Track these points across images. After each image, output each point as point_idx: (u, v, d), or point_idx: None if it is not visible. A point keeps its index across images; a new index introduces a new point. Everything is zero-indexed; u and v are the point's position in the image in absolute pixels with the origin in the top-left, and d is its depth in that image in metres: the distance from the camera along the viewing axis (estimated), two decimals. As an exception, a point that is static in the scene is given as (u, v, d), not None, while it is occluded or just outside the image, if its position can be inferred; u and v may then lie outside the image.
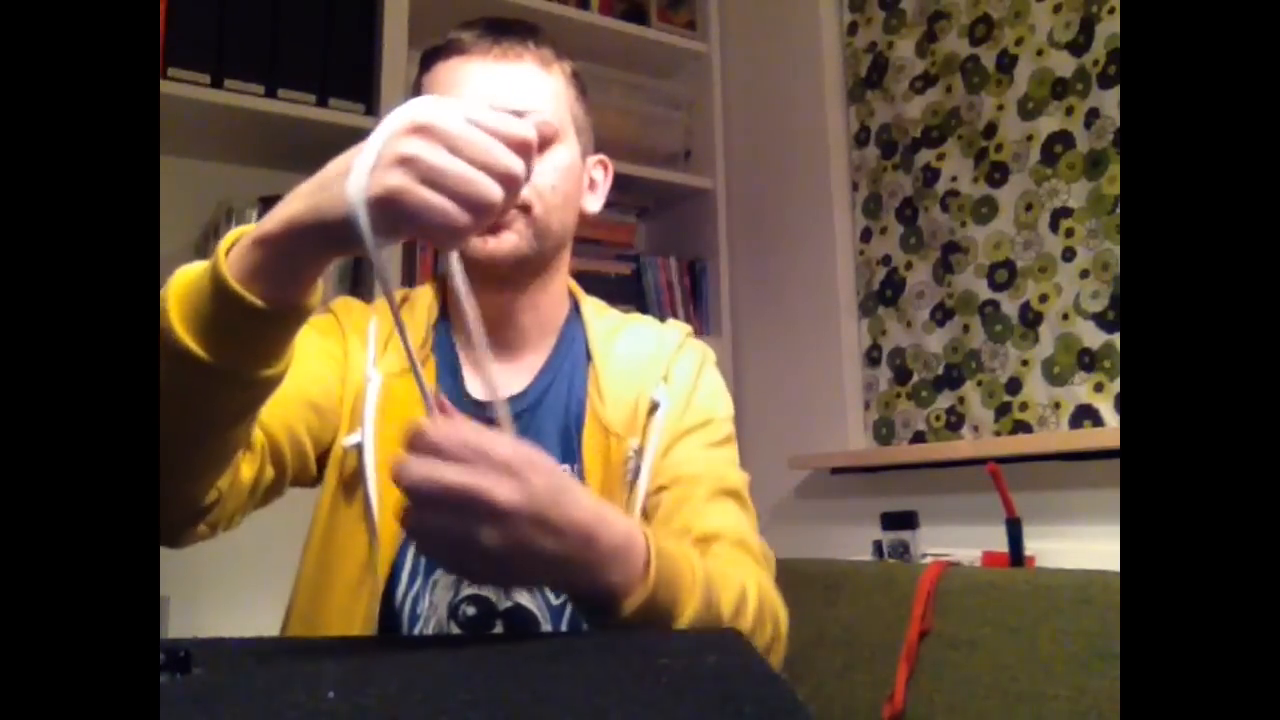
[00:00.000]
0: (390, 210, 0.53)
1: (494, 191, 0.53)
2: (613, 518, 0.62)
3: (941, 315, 1.76)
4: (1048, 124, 1.59)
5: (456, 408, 0.84)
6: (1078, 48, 1.55)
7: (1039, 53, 1.61)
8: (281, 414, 0.76)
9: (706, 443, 0.86)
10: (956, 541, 1.50)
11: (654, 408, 0.85)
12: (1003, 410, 1.63)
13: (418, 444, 0.54)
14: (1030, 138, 1.61)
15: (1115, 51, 1.49)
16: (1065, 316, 1.54)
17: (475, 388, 0.87)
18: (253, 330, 0.58)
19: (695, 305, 2.20)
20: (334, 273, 1.72)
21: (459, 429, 0.55)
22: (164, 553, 0.64)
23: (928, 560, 1.41)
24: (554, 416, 0.86)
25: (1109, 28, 1.51)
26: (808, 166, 2.03)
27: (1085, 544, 1.41)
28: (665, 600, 0.63)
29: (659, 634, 0.66)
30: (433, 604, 0.80)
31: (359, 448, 0.80)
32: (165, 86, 1.60)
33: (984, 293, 1.67)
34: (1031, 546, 1.35)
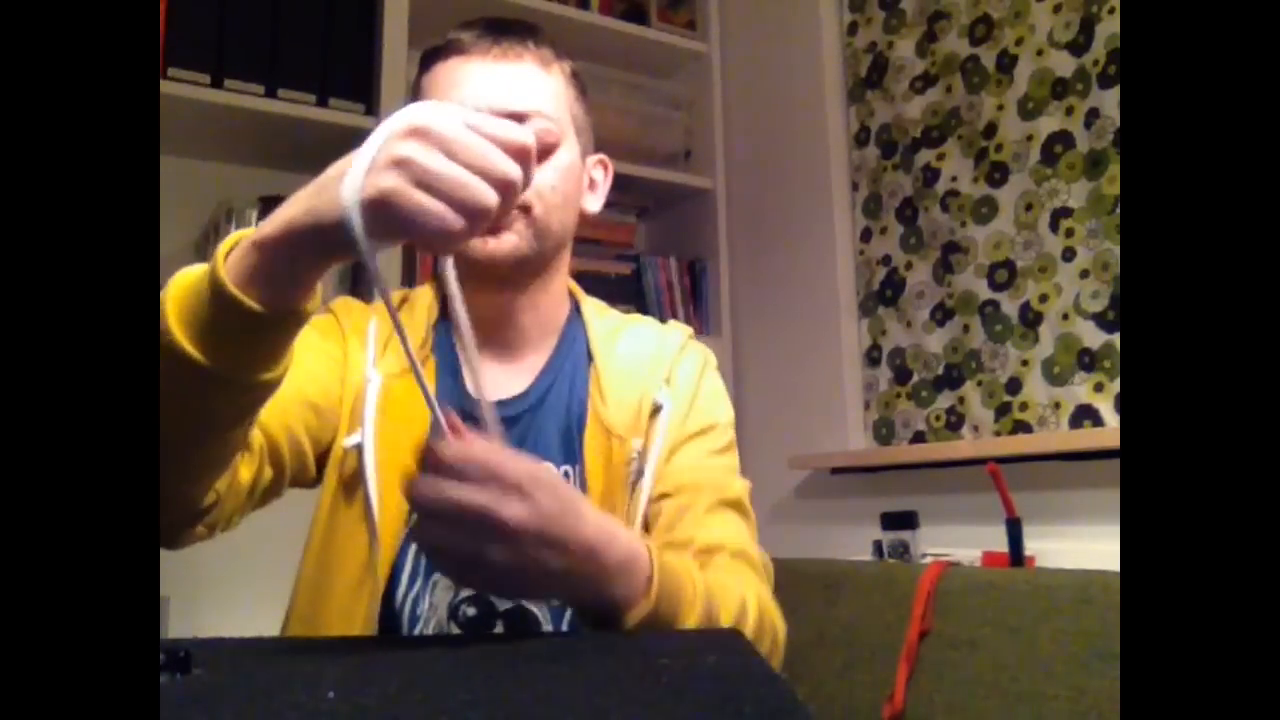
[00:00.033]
0: (383, 212, 0.52)
1: (489, 197, 0.53)
2: (618, 533, 0.64)
3: (941, 315, 1.76)
4: (1048, 124, 1.59)
5: (457, 408, 0.84)
6: (1078, 48, 1.55)
7: (1039, 53, 1.61)
8: (280, 415, 0.76)
9: (708, 450, 0.86)
10: (956, 541, 1.50)
11: (656, 410, 0.85)
12: (1003, 410, 1.63)
13: (431, 463, 0.56)
14: (1030, 138, 1.61)
15: (1115, 51, 1.49)
16: (1065, 316, 1.54)
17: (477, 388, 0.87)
18: (250, 334, 0.58)
19: (695, 305, 2.20)
20: (334, 272, 1.72)
21: (470, 448, 0.57)
22: (164, 553, 0.64)
23: (928, 560, 1.41)
24: (555, 417, 0.86)
25: (1109, 28, 1.51)
26: (808, 166, 2.03)
27: (1085, 544, 1.41)
28: (667, 613, 0.65)
29: (659, 634, 0.66)
30: (433, 604, 0.79)
31: (359, 448, 0.80)
32: (165, 86, 1.60)
33: (984, 293, 1.67)
34: (1031, 546, 1.35)
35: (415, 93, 0.88)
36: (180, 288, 0.58)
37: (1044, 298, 1.57)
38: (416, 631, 0.79)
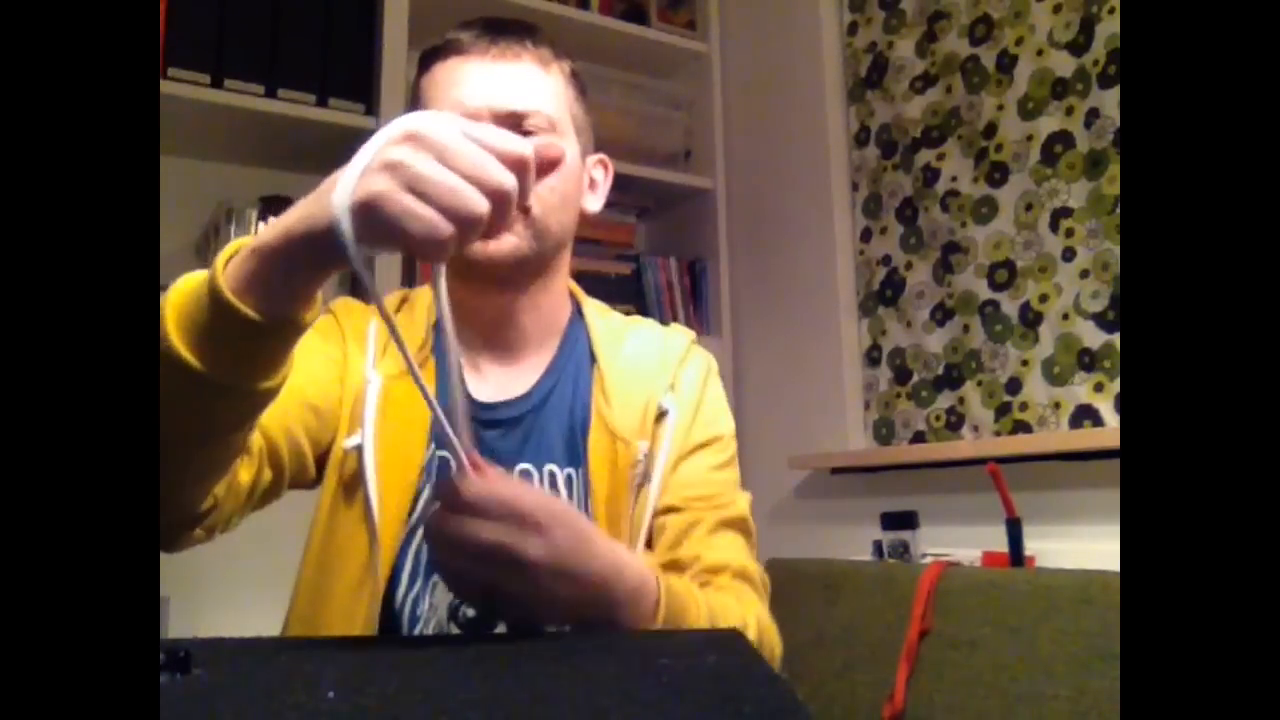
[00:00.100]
0: (372, 215, 0.51)
1: (479, 205, 0.52)
2: (628, 563, 0.68)
3: (941, 315, 1.76)
4: (1048, 124, 1.59)
5: (464, 404, 0.84)
6: (1078, 48, 1.55)
7: (1039, 53, 1.61)
8: (280, 416, 0.76)
9: (712, 465, 0.87)
10: (956, 541, 1.50)
11: (661, 415, 0.85)
12: (1003, 410, 1.63)
13: (451, 500, 0.59)
14: (1030, 138, 1.61)
15: (1115, 51, 1.49)
16: (1065, 316, 1.54)
17: (479, 389, 0.87)
18: (248, 342, 0.58)
19: (695, 305, 2.20)
20: (335, 274, 1.72)
21: (489, 485, 0.59)
22: (163, 554, 0.64)
23: (928, 560, 1.41)
24: (558, 419, 0.86)
25: (1109, 28, 1.51)
26: (808, 166, 2.03)
27: (1085, 544, 1.41)
28: None
29: (659, 634, 0.66)
30: (433, 605, 0.79)
31: (359, 449, 0.80)
32: (165, 86, 1.60)
33: (984, 293, 1.67)
34: (1031, 546, 1.35)
35: (414, 93, 0.88)
36: (180, 294, 0.58)
37: (1044, 298, 1.57)
38: (416, 632, 0.79)
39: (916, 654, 1.22)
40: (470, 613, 0.80)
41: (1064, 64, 1.57)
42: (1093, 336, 1.50)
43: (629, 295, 2.09)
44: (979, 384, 1.68)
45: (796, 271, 2.04)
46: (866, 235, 1.93)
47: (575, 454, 0.85)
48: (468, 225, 0.52)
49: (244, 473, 0.72)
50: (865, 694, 1.27)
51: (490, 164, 0.53)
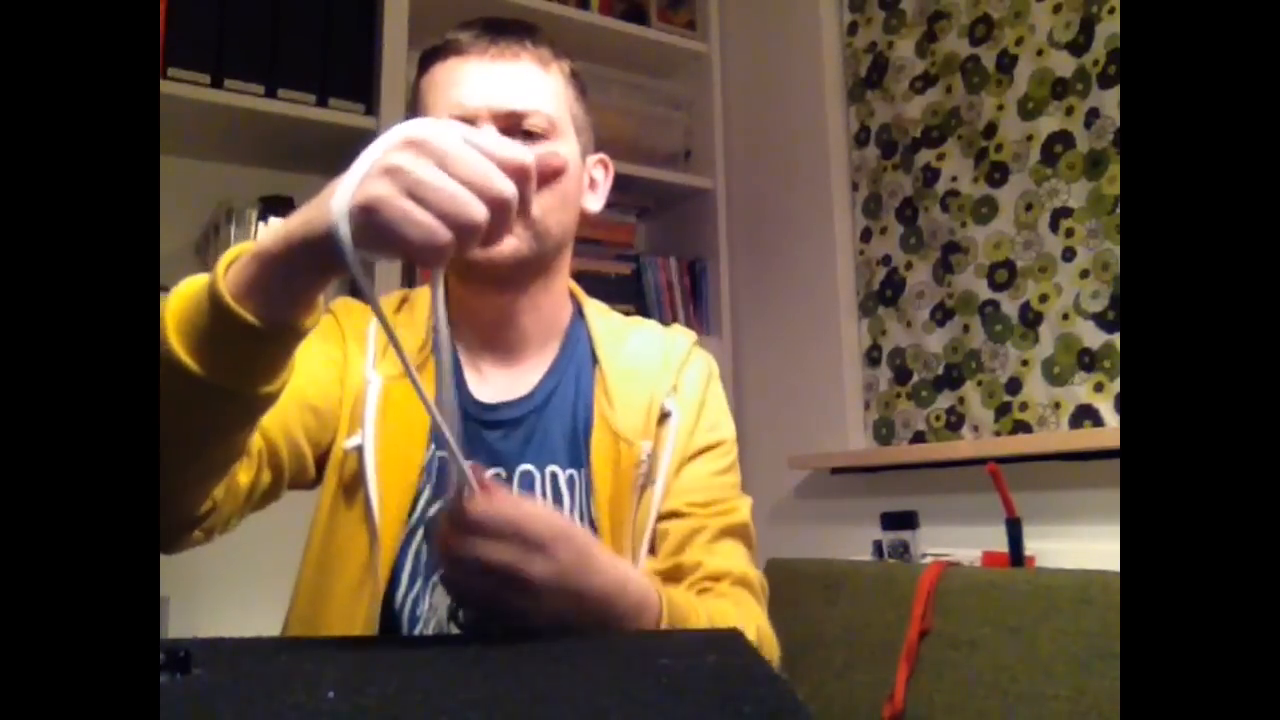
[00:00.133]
0: (369, 218, 0.51)
1: (479, 212, 0.52)
2: (630, 578, 0.69)
3: (941, 315, 1.76)
4: (1048, 124, 1.59)
5: (458, 411, 0.84)
6: (1078, 48, 1.55)
7: (1039, 53, 1.61)
8: (280, 418, 0.76)
9: (715, 469, 0.88)
10: (956, 541, 1.50)
11: (664, 417, 0.85)
12: (1003, 410, 1.63)
13: (460, 521, 0.60)
14: (1030, 138, 1.61)
15: (1115, 51, 1.49)
16: (1065, 316, 1.54)
17: (481, 390, 0.86)
18: (247, 348, 0.57)
19: (695, 305, 2.20)
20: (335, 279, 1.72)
21: (496, 506, 0.60)
22: (162, 555, 0.64)
23: (928, 560, 1.41)
24: (560, 420, 0.86)
25: (1109, 28, 1.51)
26: (808, 166, 2.03)
27: (1085, 544, 1.41)
28: None
29: (659, 634, 0.66)
30: (433, 606, 0.79)
31: (359, 450, 0.80)
32: (165, 86, 1.60)
33: (984, 293, 1.67)
34: (1031, 546, 1.35)
35: (414, 94, 0.88)
36: (180, 299, 0.58)
37: (1044, 298, 1.57)
38: (416, 632, 0.79)
39: (916, 654, 1.22)
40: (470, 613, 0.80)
41: (1064, 64, 1.57)
42: (1093, 336, 1.50)
43: (629, 295, 2.09)
44: (979, 384, 1.68)
45: (796, 271, 2.04)
46: (866, 235, 1.93)
47: (578, 455, 0.85)
48: (466, 232, 0.52)
49: (243, 475, 0.72)
50: (865, 694, 1.27)
51: (491, 172, 0.53)
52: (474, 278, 0.85)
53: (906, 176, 1.85)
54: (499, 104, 0.81)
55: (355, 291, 1.73)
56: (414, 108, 0.88)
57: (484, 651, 0.56)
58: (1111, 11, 1.50)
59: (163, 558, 0.62)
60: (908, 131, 1.84)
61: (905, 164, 1.85)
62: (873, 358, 1.90)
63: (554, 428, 0.86)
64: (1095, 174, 1.51)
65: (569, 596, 0.63)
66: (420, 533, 0.81)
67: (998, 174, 1.66)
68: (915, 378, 1.80)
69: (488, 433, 0.84)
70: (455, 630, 0.79)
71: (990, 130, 1.68)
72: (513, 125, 0.81)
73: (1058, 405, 1.54)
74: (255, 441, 0.73)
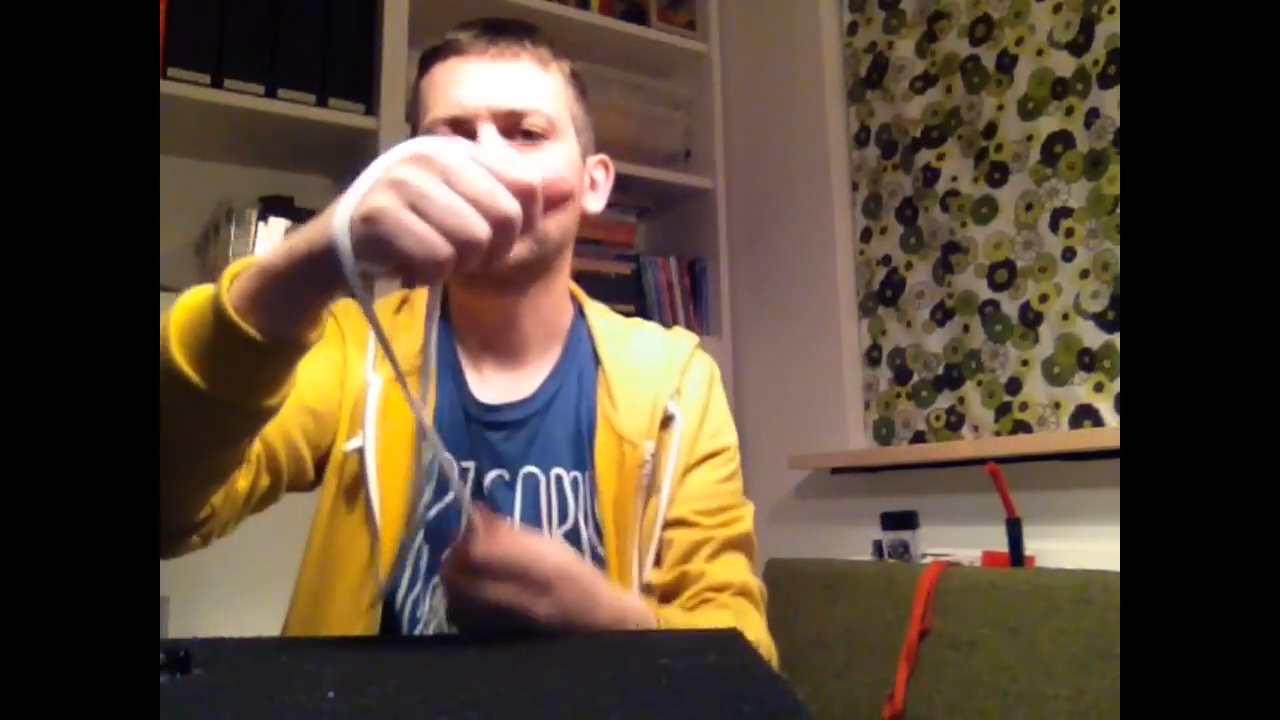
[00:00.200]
0: (371, 229, 0.51)
1: (480, 229, 0.51)
2: (630, 610, 0.71)
3: (941, 315, 1.76)
4: (1048, 124, 1.59)
5: (459, 413, 0.84)
6: (1078, 48, 1.55)
7: (1039, 53, 1.61)
8: (279, 422, 0.75)
9: (719, 477, 0.88)
10: (956, 541, 1.50)
11: (667, 420, 0.85)
12: (1003, 410, 1.63)
13: (464, 563, 0.62)
14: (1030, 138, 1.61)
15: (1115, 51, 1.49)
16: (1065, 316, 1.54)
17: (483, 391, 0.86)
18: (249, 362, 0.57)
19: (695, 305, 2.20)
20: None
21: (496, 546, 0.62)
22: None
23: (928, 560, 1.41)
24: (564, 422, 0.86)
25: (1109, 28, 1.51)
26: (808, 166, 2.03)
27: (1085, 544, 1.41)
28: None
29: (659, 634, 0.66)
30: (433, 607, 0.79)
31: (360, 452, 0.80)
32: (165, 86, 1.60)
33: (984, 293, 1.67)
34: (1031, 546, 1.35)
35: (414, 94, 0.88)
36: (184, 310, 0.58)
37: (1044, 298, 1.57)
38: (417, 634, 0.79)
39: (916, 654, 1.22)
40: None
41: (1064, 64, 1.57)
42: (1093, 336, 1.50)
43: (629, 295, 2.09)
44: (979, 384, 1.68)
45: (796, 271, 2.04)
46: (866, 235, 1.93)
47: (582, 457, 0.85)
48: (468, 248, 0.51)
49: (242, 480, 0.72)
50: (865, 694, 1.27)
51: (496, 190, 0.52)
52: (474, 280, 0.85)
53: (906, 176, 1.85)
54: (498, 103, 0.81)
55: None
56: (414, 108, 0.88)
57: (484, 651, 0.56)
58: (1111, 11, 1.50)
59: (162, 559, 0.62)
60: (908, 131, 1.84)
61: (905, 164, 1.85)
62: (873, 358, 1.90)
63: (557, 430, 0.86)
64: (1095, 174, 1.51)
65: (572, 631, 0.64)
66: (421, 535, 0.81)
67: (998, 174, 1.66)
68: (915, 378, 1.80)
69: (490, 434, 0.84)
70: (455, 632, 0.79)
71: (990, 130, 1.68)
72: (512, 124, 0.81)
73: (1058, 405, 1.54)
74: (255, 447, 0.73)
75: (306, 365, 0.80)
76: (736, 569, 0.85)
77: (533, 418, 0.86)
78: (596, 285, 1.72)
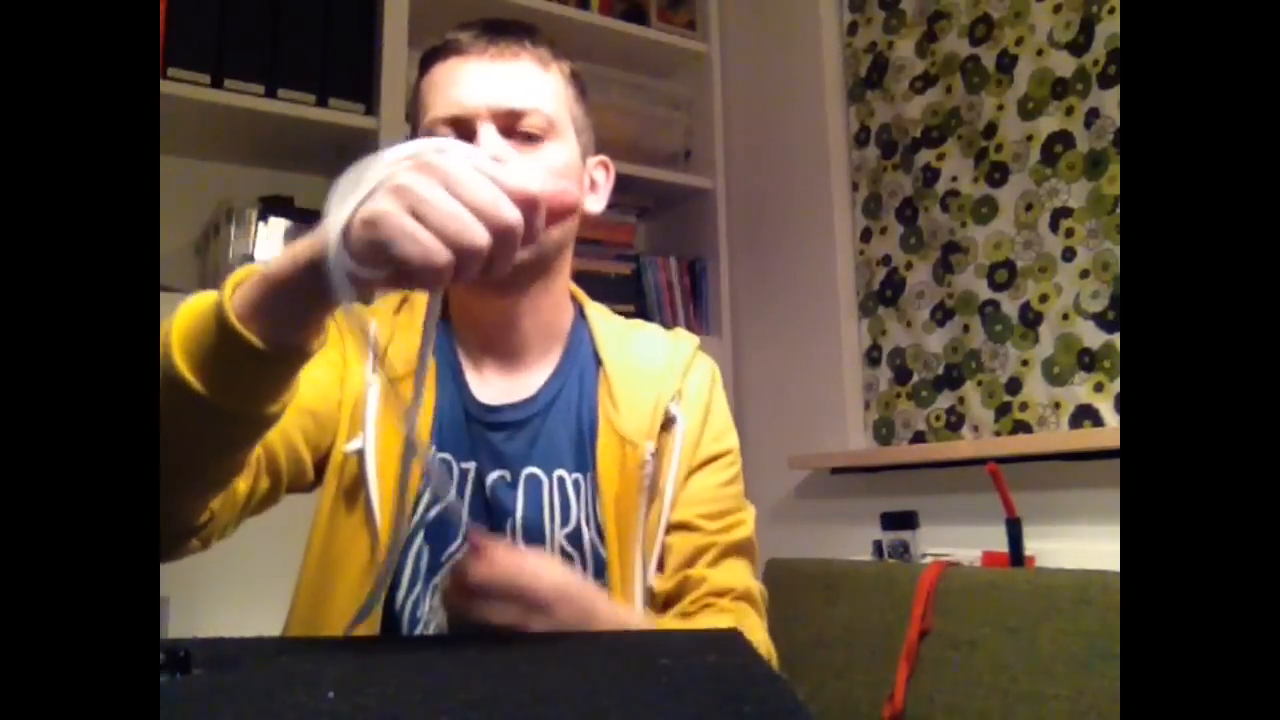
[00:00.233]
0: (370, 234, 0.51)
1: (480, 236, 0.51)
2: (630, 625, 0.72)
3: (941, 315, 1.76)
4: (1048, 124, 1.59)
5: (459, 413, 0.84)
6: (1078, 48, 1.55)
7: (1039, 53, 1.61)
8: (280, 424, 0.75)
9: (721, 481, 0.88)
10: (956, 541, 1.50)
11: (669, 422, 0.85)
12: (1003, 410, 1.63)
13: (463, 585, 0.64)
14: (1030, 138, 1.61)
15: (1115, 51, 1.49)
16: (1065, 316, 1.54)
17: (483, 392, 0.86)
18: (252, 370, 0.57)
19: (695, 305, 2.20)
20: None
21: (494, 568, 0.64)
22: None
23: (928, 560, 1.41)
24: (565, 423, 0.86)
25: (1109, 28, 1.51)
26: (808, 166, 2.03)
27: (1085, 544, 1.41)
28: None
29: (659, 634, 0.66)
30: (433, 608, 0.79)
31: (360, 453, 0.80)
32: (165, 86, 1.60)
33: (984, 293, 1.67)
34: (1031, 546, 1.35)
35: (415, 95, 0.88)
36: (186, 317, 0.58)
37: (1044, 298, 1.57)
38: (416, 634, 0.79)
39: (916, 654, 1.22)
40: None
41: (1064, 64, 1.57)
42: (1093, 336, 1.50)
43: (629, 295, 2.09)
44: (979, 384, 1.68)
45: (796, 271, 2.04)
46: (866, 235, 1.93)
47: (583, 459, 0.85)
48: (467, 255, 0.51)
49: (242, 483, 0.72)
50: (865, 694, 1.27)
51: (499, 199, 0.52)
52: (474, 282, 0.85)
53: (906, 176, 1.85)
54: (497, 102, 0.81)
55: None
56: (414, 108, 0.88)
57: (484, 651, 0.56)
58: (1111, 11, 1.50)
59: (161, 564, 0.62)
60: (908, 131, 1.84)
61: (905, 164, 1.85)
62: (873, 358, 1.90)
63: (559, 431, 0.86)
64: (1095, 174, 1.51)
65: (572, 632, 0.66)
66: (421, 535, 0.81)
67: (998, 174, 1.66)
68: (915, 378, 1.80)
69: (492, 434, 0.84)
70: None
71: (990, 130, 1.68)
72: (511, 124, 0.81)
73: (1058, 405, 1.54)
74: (255, 451, 0.73)
75: (307, 366, 0.80)
76: (738, 574, 0.85)
77: (534, 418, 0.86)
78: (596, 285, 1.72)
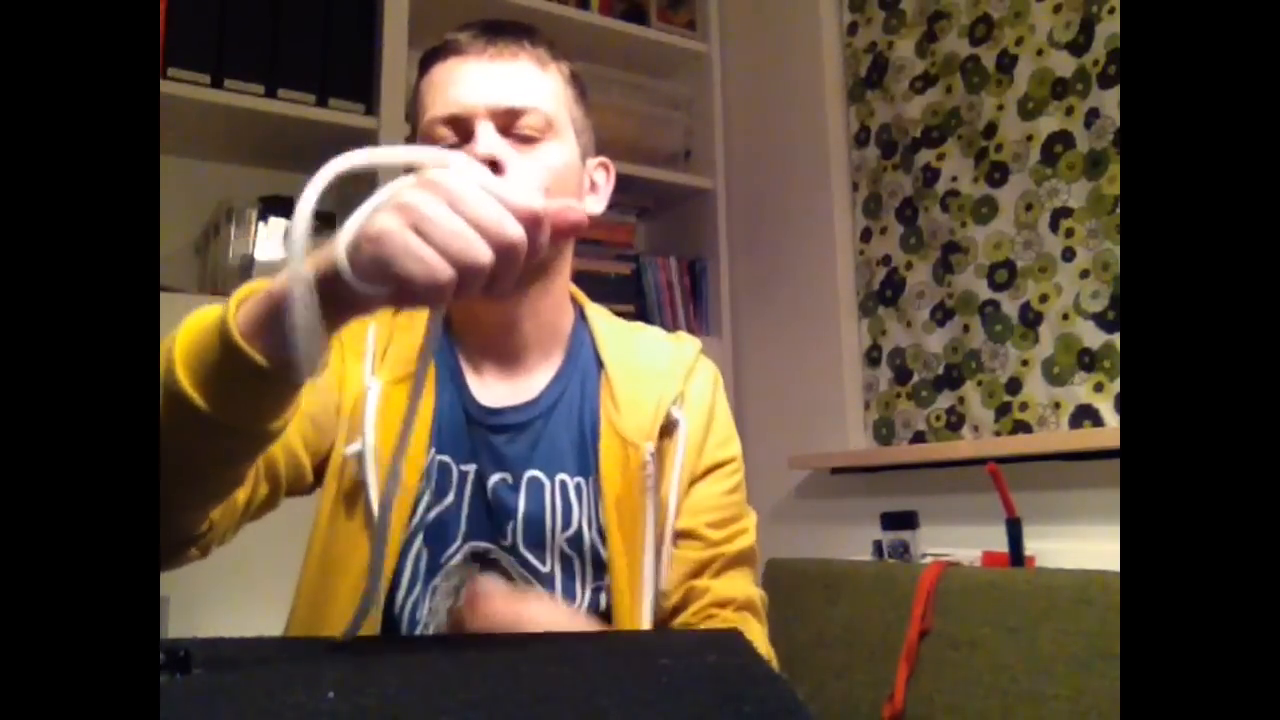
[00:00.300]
0: (374, 251, 0.51)
1: (483, 254, 0.51)
2: None
3: (941, 315, 1.76)
4: (1048, 124, 1.59)
5: (460, 415, 0.84)
6: (1078, 48, 1.55)
7: (1039, 53, 1.61)
8: None
9: (725, 489, 0.89)
10: (956, 541, 1.50)
11: (671, 425, 0.86)
12: (1003, 410, 1.63)
13: (459, 630, 0.65)
14: (1030, 138, 1.61)
15: (1115, 51, 1.49)
16: (1065, 316, 1.54)
17: (484, 395, 0.86)
18: (254, 387, 0.57)
19: (695, 305, 2.20)
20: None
21: (489, 616, 0.65)
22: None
23: (928, 560, 1.41)
24: (568, 426, 0.86)
25: (1109, 28, 1.51)
26: (808, 166, 2.03)
27: (1085, 544, 1.41)
28: None
29: (659, 634, 0.66)
30: (432, 610, 0.79)
31: (360, 456, 0.80)
32: (165, 86, 1.60)
33: (984, 293, 1.67)
34: (1031, 546, 1.35)
35: (414, 96, 0.88)
36: (190, 332, 0.58)
37: (1044, 298, 1.57)
38: (416, 635, 0.79)
39: (916, 654, 1.22)
40: None
41: (1064, 64, 1.57)
42: (1093, 336, 1.50)
43: (629, 295, 2.09)
44: (979, 384, 1.68)
45: (796, 271, 2.04)
46: (866, 235, 1.93)
47: (586, 463, 0.84)
48: (469, 273, 0.51)
49: (241, 492, 0.72)
50: (865, 694, 1.27)
51: (503, 217, 0.52)
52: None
53: (906, 176, 1.85)
54: (495, 101, 0.81)
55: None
56: (414, 109, 0.88)
57: (484, 651, 0.56)
58: (1111, 11, 1.50)
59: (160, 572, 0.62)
60: (908, 131, 1.84)
61: (905, 164, 1.85)
62: (873, 358, 1.90)
63: (561, 434, 0.85)
64: (1095, 174, 1.51)
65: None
66: (420, 537, 0.81)
67: (998, 174, 1.66)
68: (915, 378, 1.80)
69: (493, 436, 0.84)
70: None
71: (990, 130, 1.68)
72: (510, 123, 0.81)
73: (1058, 405, 1.54)
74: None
75: None
76: (740, 584, 0.86)
77: (536, 420, 0.85)
78: (596, 285, 1.72)
